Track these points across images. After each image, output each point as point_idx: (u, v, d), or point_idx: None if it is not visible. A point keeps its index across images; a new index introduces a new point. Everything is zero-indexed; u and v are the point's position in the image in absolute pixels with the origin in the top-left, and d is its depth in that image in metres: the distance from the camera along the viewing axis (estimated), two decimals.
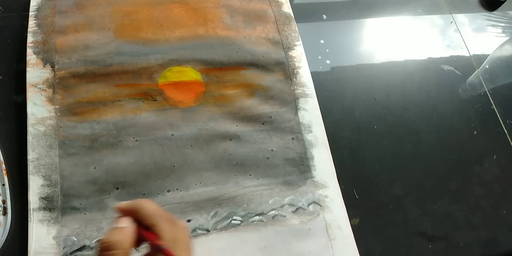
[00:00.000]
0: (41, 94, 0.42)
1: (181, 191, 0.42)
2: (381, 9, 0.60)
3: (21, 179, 0.40)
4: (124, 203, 0.28)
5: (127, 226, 0.27)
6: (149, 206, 0.28)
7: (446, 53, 0.60)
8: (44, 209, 0.38)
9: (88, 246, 0.38)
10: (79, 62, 0.43)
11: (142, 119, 0.43)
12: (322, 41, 0.55)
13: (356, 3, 0.60)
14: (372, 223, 0.46)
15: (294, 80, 0.49)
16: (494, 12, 0.65)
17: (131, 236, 0.26)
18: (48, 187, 0.39)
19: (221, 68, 0.47)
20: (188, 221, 0.41)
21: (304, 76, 0.50)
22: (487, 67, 0.60)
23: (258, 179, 0.44)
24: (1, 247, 0.38)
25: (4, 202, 0.39)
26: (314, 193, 0.45)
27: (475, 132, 0.54)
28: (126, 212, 0.28)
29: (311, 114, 0.48)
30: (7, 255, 0.38)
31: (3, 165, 0.40)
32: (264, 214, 0.43)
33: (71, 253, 0.37)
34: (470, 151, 0.53)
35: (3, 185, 0.40)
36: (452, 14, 0.63)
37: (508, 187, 0.52)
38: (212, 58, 0.47)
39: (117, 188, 0.40)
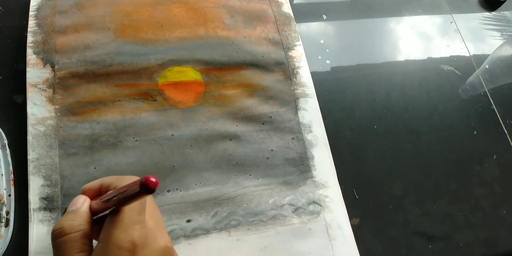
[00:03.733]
0: (41, 94, 0.42)
1: (181, 191, 0.42)
2: (381, 9, 0.60)
3: (22, 179, 0.40)
4: (88, 184, 0.27)
5: (78, 207, 0.25)
6: (109, 177, 0.27)
7: (446, 53, 0.60)
8: (45, 209, 0.38)
9: None
10: (79, 62, 0.43)
11: (142, 119, 0.43)
12: (322, 41, 0.55)
13: (356, 3, 0.60)
14: (372, 223, 0.46)
15: (294, 80, 0.49)
16: (494, 12, 0.65)
17: (84, 215, 0.25)
18: (48, 187, 0.39)
19: (221, 68, 0.47)
20: (188, 221, 0.41)
21: (304, 76, 0.50)
22: (487, 67, 0.60)
23: (258, 179, 0.44)
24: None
25: (8, 213, 0.39)
26: (314, 193, 0.45)
27: (475, 132, 0.54)
28: (93, 193, 0.27)
29: (311, 114, 0.48)
30: None
31: (12, 175, 0.40)
32: (264, 214, 0.43)
33: None
34: (470, 151, 0.53)
35: (9, 195, 0.40)
36: (452, 14, 0.63)
37: (508, 187, 0.52)
38: (212, 58, 0.47)
39: None
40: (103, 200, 0.25)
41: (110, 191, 0.26)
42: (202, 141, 0.44)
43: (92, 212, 0.26)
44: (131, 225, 0.23)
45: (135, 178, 0.26)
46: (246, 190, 0.43)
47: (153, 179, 0.21)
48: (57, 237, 0.24)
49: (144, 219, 0.24)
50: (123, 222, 0.23)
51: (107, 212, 0.25)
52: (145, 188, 0.21)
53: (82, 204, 0.26)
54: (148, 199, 0.26)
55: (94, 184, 0.28)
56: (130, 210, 0.24)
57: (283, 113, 0.47)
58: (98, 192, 0.28)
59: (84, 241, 0.24)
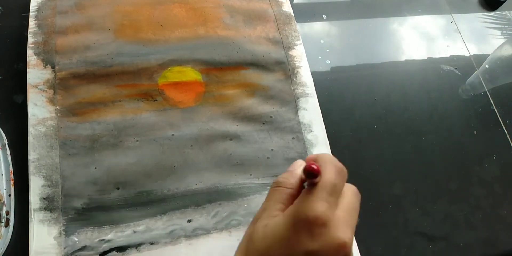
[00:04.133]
0: (42, 95, 0.42)
1: (181, 191, 0.42)
2: (381, 9, 0.60)
3: (22, 179, 0.40)
4: (311, 155, 0.30)
5: (294, 169, 0.30)
6: (326, 154, 0.29)
7: (446, 53, 0.60)
8: (45, 209, 0.38)
9: (89, 246, 0.38)
10: (80, 63, 0.43)
11: (143, 119, 0.43)
12: (322, 41, 0.55)
13: (356, 3, 0.60)
14: (372, 223, 0.46)
15: (294, 79, 0.49)
16: (494, 12, 0.66)
17: (296, 177, 0.29)
18: (49, 187, 0.39)
19: (221, 68, 0.47)
20: (189, 221, 0.41)
21: (305, 75, 0.50)
22: (487, 67, 0.60)
23: (259, 179, 0.44)
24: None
25: (8, 213, 0.39)
26: None
27: (475, 132, 0.55)
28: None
29: (311, 113, 0.48)
30: None
31: (12, 175, 0.40)
32: None
33: (72, 253, 0.37)
34: (470, 151, 0.53)
35: (9, 195, 0.40)
36: (452, 14, 0.63)
37: (508, 187, 0.52)
38: (212, 58, 0.47)
39: (118, 188, 0.41)
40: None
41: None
42: (202, 141, 0.44)
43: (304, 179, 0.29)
44: (318, 200, 0.25)
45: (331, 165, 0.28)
46: (246, 190, 0.43)
47: (314, 166, 0.25)
48: (273, 186, 0.29)
49: (334, 203, 0.26)
50: (313, 194, 0.26)
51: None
52: (308, 173, 0.25)
53: (298, 167, 0.30)
54: (353, 198, 0.28)
55: (313, 156, 0.30)
56: (322, 188, 0.26)
57: (283, 112, 0.47)
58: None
59: (288, 198, 0.28)
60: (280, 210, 0.27)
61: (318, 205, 0.25)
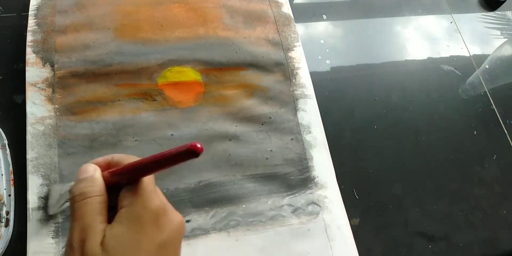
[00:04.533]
0: (41, 94, 0.42)
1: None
2: (381, 9, 0.60)
3: (22, 179, 0.40)
4: (95, 160, 0.29)
5: (90, 174, 0.27)
6: (119, 154, 0.29)
7: (446, 53, 0.60)
8: (43, 208, 0.38)
9: None
10: (79, 62, 0.43)
11: (142, 119, 0.43)
12: (322, 41, 0.55)
13: (356, 3, 0.60)
14: (372, 223, 0.46)
15: (294, 81, 0.49)
16: (494, 12, 0.66)
17: (101, 182, 0.27)
18: (47, 186, 0.39)
19: (221, 69, 0.47)
20: (187, 221, 0.41)
21: (304, 77, 0.50)
22: (487, 67, 0.60)
23: (258, 179, 0.44)
24: None
25: (8, 213, 0.39)
26: (313, 194, 0.45)
27: (475, 132, 0.54)
28: (100, 167, 0.28)
29: (310, 115, 0.48)
30: None
31: (12, 175, 0.40)
32: (263, 214, 0.43)
33: None
34: (470, 151, 0.53)
35: (9, 195, 0.40)
36: (452, 14, 0.63)
37: (508, 187, 0.52)
38: (211, 58, 0.47)
39: None
40: (117, 172, 0.27)
41: (126, 164, 0.27)
42: (201, 141, 0.44)
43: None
44: (152, 193, 0.26)
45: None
46: (245, 190, 0.43)
47: (198, 145, 0.23)
48: (79, 199, 0.26)
49: (159, 193, 0.27)
50: (145, 190, 0.26)
51: (124, 182, 0.27)
52: (192, 152, 0.23)
53: (94, 171, 0.27)
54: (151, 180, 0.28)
55: (102, 160, 0.29)
56: (149, 182, 0.26)
57: (282, 113, 0.47)
58: (106, 167, 0.29)
59: (104, 206, 0.26)
60: (103, 222, 0.25)
61: (155, 196, 0.26)
